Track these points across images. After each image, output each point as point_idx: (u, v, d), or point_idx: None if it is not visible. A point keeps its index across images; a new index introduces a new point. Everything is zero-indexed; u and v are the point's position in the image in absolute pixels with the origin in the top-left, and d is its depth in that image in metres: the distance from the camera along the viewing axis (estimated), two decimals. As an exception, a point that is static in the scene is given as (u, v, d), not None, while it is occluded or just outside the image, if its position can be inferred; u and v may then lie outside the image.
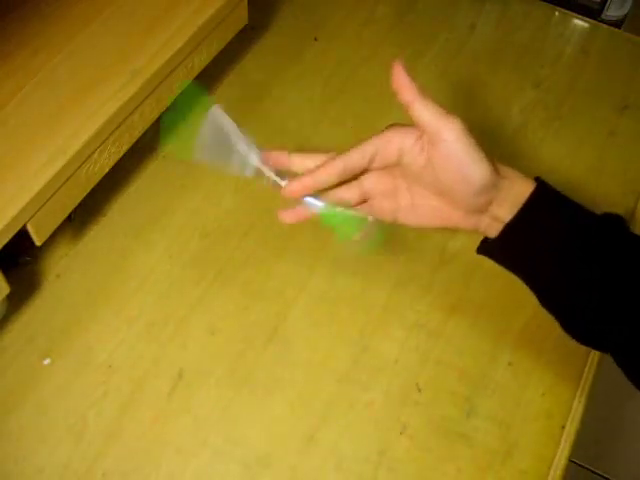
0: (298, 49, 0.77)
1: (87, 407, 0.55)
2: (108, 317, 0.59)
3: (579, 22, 0.82)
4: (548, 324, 0.60)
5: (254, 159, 0.50)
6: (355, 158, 0.48)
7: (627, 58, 0.79)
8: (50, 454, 0.53)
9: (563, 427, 0.55)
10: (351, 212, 0.51)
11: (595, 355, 0.59)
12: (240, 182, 0.67)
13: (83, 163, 0.54)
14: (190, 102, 0.52)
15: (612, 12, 0.82)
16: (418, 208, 0.51)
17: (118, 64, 0.57)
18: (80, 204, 0.56)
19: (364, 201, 0.51)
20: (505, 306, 0.61)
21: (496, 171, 0.47)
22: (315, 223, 0.65)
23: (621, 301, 0.46)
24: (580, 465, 1.26)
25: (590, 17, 0.82)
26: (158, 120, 0.61)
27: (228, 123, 0.50)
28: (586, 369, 0.58)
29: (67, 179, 0.53)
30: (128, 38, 0.59)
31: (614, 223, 0.48)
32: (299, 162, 0.51)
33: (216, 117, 0.50)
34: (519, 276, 0.50)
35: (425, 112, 0.46)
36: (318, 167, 0.49)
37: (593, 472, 1.27)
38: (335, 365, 0.57)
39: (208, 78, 0.72)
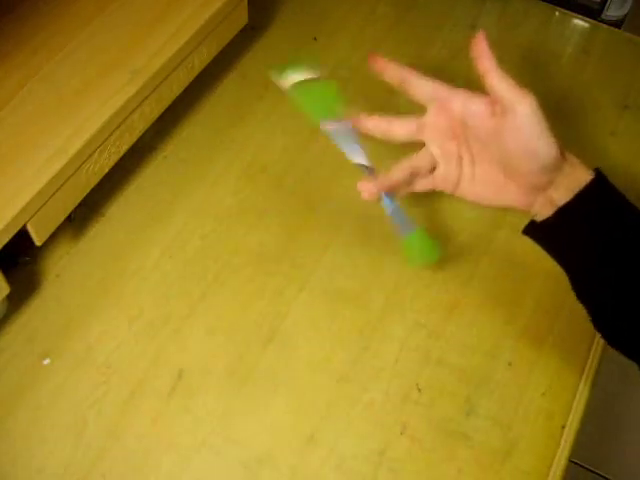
0: (298, 49, 0.77)
1: (87, 407, 0.55)
2: (108, 317, 0.59)
3: (579, 22, 0.82)
4: (548, 324, 0.60)
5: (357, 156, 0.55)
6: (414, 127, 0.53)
7: (627, 58, 0.79)
8: (50, 454, 0.53)
9: (563, 427, 0.55)
10: (425, 237, 0.56)
11: (595, 355, 0.59)
12: (240, 183, 0.67)
13: (83, 163, 0.54)
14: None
15: (612, 12, 0.82)
16: (479, 180, 0.52)
17: (118, 64, 0.57)
18: (80, 204, 0.56)
19: (433, 169, 0.54)
20: (505, 306, 0.61)
21: (562, 153, 0.48)
22: (316, 224, 0.65)
23: None
24: (580, 465, 1.26)
25: (590, 17, 0.82)
26: (158, 120, 0.61)
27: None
28: (586, 369, 0.58)
29: (67, 179, 0.53)
30: (128, 38, 0.59)
31: None
32: (373, 124, 0.54)
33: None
34: (559, 262, 0.50)
35: (502, 82, 0.48)
36: (391, 170, 0.53)
37: (593, 472, 1.27)
38: (335, 365, 0.57)
39: (208, 78, 0.72)
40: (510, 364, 0.58)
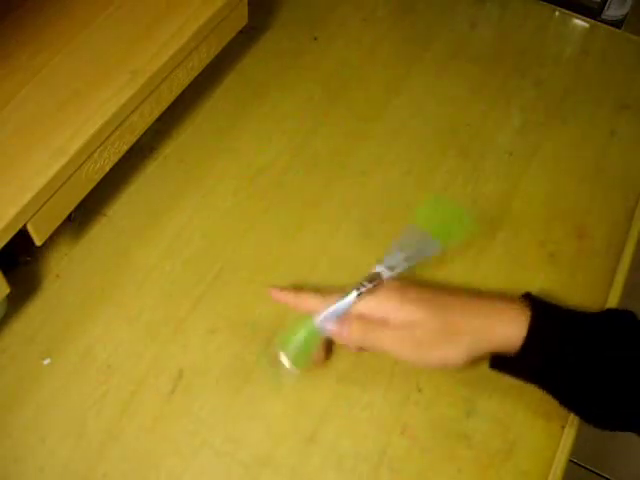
0: (298, 49, 0.77)
1: (87, 407, 0.55)
2: (108, 317, 0.59)
3: (579, 22, 0.82)
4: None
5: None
6: None
7: (627, 58, 0.79)
8: (50, 454, 0.53)
9: (563, 427, 0.55)
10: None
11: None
12: (240, 183, 0.67)
13: (83, 163, 0.54)
14: None
15: (612, 12, 0.82)
16: None
17: (118, 64, 0.57)
18: (80, 204, 0.56)
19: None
20: (505, 306, 0.61)
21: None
22: (315, 224, 0.65)
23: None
24: (580, 465, 1.26)
25: (590, 17, 0.82)
26: (158, 120, 0.61)
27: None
28: (586, 369, 0.58)
29: (67, 179, 0.53)
30: (128, 38, 0.59)
31: (618, 317, 0.51)
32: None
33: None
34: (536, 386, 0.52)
35: None
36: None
37: (593, 472, 1.27)
38: (335, 365, 0.57)
39: (208, 78, 0.72)
40: (510, 364, 0.58)
